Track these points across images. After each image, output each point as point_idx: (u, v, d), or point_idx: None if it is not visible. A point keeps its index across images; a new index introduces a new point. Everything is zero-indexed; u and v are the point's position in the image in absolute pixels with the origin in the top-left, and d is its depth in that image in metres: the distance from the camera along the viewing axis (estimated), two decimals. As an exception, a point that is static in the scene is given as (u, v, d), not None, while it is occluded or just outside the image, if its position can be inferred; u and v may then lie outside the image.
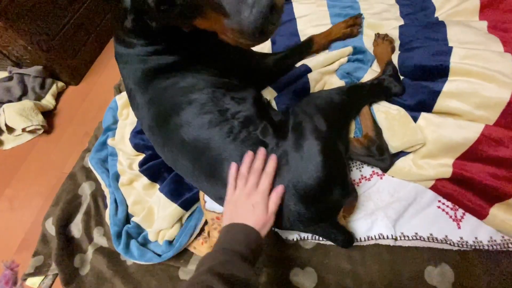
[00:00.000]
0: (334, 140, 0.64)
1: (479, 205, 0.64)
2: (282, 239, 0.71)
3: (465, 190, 0.65)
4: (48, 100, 1.13)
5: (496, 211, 0.62)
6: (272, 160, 0.56)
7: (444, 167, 0.66)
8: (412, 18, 0.94)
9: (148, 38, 0.60)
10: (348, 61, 0.86)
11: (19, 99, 1.11)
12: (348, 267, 0.65)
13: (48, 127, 1.09)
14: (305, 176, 0.54)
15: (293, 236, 0.70)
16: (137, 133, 0.83)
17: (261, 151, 0.57)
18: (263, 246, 0.52)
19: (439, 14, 0.92)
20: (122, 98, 0.95)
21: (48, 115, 1.13)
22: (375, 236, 0.64)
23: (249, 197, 0.54)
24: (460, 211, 0.66)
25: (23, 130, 1.06)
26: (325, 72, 0.83)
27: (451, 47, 0.72)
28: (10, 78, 1.15)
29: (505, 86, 0.64)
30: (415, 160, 0.69)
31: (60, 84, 1.18)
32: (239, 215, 0.53)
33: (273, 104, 0.81)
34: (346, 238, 0.61)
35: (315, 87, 0.81)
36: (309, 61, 0.85)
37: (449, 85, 0.68)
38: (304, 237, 0.69)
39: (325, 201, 0.56)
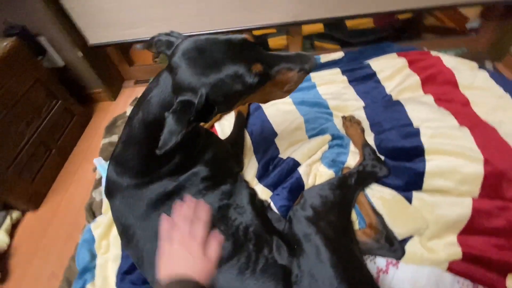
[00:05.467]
0: (346, 243, 0.65)
1: (495, 279, 0.65)
2: None
3: (479, 266, 0.66)
4: (0, 239, 0.95)
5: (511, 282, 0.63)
6: (204, 206, 0.51)
7: (452, 246, 0.68)
8: (369, 96, 1.06)
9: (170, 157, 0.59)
10: (329, 147, 0.90)
11: (-39, 246, 0.91)
12: None
13: (2, 274, 0.89)
14: None
15: None
16: (125, 274, 0.71)
17: (189, 198, 0.53)
18: None
19: (390, 91, 1.06)
20: (99, 227, 0.83)
21: (2, 257, 0.94)
22: None
23: (185, 246, 0.46)
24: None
25: (-34, 286, 0.85)
26: (311, 163, 0.85)
27: (418, 129, 0.81)
28: None
29: (476, 160, 0.72)
30: (423, 243, 0.70)
31: (15, 214, 1.01)
32: (178, 266, 0.45)
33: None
34: None
35: (308, 181, 0.82)
36: (294, 153, 0.87)
37: (430, 165, 0.74)
38: None
39: None
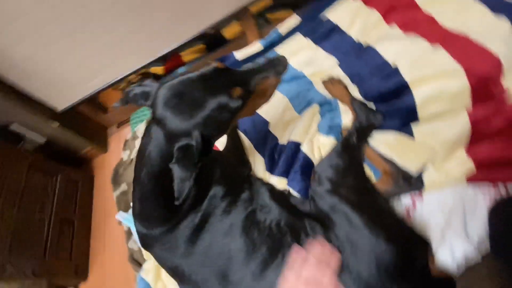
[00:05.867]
0: (371, 199, 0.68)
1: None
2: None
3: (493, 168, 0.70)
4: (69, 318, 1.01)
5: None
6: (335, 254, 0.56)
7: (464, 161, 0.71)
8: (339, 51, 1.05)
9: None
10: (321, 116, 0.92)
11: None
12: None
13: None
14: (383, 253, 0.55)
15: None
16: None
17: (320, 240, 0.58)
18: None
19: (356, 37, 1.05)
20: (149, 273, 0.88)
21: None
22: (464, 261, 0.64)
23: None
24: (502, 186, 0.70)
25: None
26: (311, 138, 0.88)
27: (396, 66, 0.82)
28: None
29: (457, 74, 0.74)
30: (438, 168, 0.73)
31: (70, 291, 1.08)
32: None
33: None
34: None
35: (315, 156, 0.84)
36: (292, 136, 0.90)
37: (418, 96, 0.76)
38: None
39: (414, 266, 0.57)
